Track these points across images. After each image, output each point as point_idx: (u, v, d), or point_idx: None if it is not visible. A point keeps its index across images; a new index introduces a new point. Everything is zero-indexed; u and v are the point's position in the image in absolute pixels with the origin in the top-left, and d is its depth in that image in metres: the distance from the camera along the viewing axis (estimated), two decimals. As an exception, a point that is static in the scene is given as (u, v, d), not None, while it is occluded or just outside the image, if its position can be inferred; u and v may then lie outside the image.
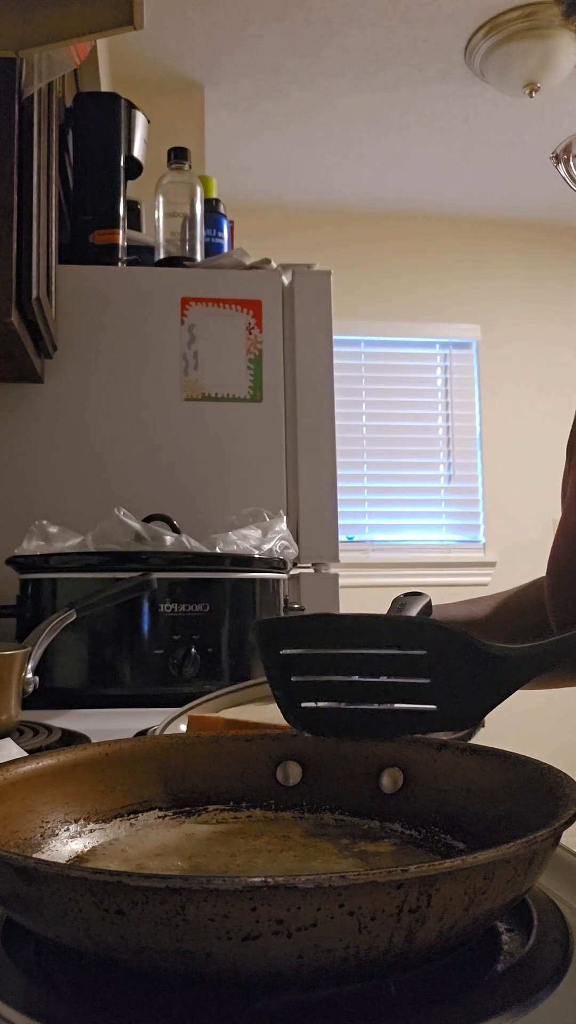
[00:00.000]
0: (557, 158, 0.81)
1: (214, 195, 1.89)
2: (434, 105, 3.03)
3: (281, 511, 1.47)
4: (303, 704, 0.52)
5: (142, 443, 1.60)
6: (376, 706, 0.51)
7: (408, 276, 3.86)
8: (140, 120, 1.73)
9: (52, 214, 1.35)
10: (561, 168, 0.81)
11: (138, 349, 1.62)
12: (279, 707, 0.53)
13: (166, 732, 0.74)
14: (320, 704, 0.52)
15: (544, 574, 0.82)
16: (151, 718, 1.00)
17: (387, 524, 3.73)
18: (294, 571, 1.57)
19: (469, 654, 0.49)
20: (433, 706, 0.50)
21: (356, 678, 0.51)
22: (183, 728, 0.77)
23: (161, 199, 1.69)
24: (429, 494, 3.80)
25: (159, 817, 0.52)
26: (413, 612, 0.71)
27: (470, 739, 0.61)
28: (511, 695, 0.51)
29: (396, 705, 0.51)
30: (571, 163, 0.81)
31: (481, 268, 3.90)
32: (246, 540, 1.34)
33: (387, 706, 0.51)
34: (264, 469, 1.62)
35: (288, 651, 0.51)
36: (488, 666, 0.50)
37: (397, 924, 0.31)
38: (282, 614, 1.36)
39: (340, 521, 1.65)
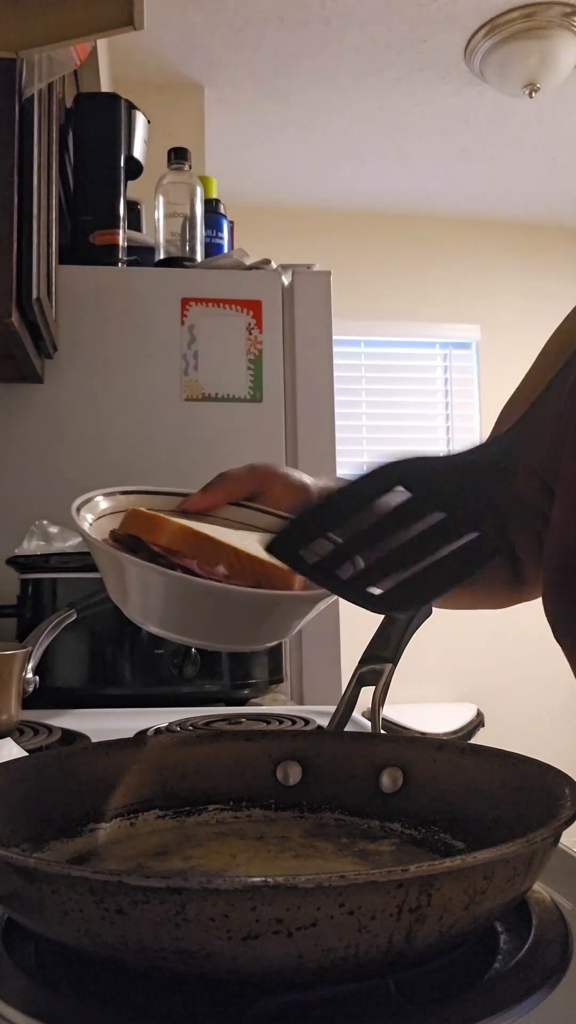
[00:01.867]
0: None
1: (214, 195, 1.89)
2: (434, 106, 3.03)
3: (281, 511, 1.47)
4: (370, 591, 0.50)
5: (142, 443, 1.60)
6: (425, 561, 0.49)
7: (408, 276, 3.86)
8: (140, 121, 1.73)
9: (52, 214, 1.35)
10: None
11: (138, 349, 1.62)
12: (352, 601, 0.51)
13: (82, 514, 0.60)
14: (381, 587, 0.50)
15: None
16: (151, 718, 1.00)
17: (387, 524, 3.73)
18: (294, 571, 1.57)
19: (449, 470, 0.48)
20: (474, 532, 0.48)
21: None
22: (91, 521, 0.61)
23: (161, 199, 1.69)
24: (429, 494, 3.80)
25: (159, 817, 0.52)
26: (412, 612, 0.71)
27: (470, 739, 0.61)
28: (508, 495, 0.49)
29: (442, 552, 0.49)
30: None
31: (481, 268, 3.90)
32: (246, 540, 1.34)
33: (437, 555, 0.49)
34: (264, 469, 1.62)
35: (309, 558, 0.49)
36: (469, 477, 0.49)
37: (397, 924, 0.32)
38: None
39: (340, 521, 1.64)
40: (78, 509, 0.60)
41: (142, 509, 0.59)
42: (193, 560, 0.54)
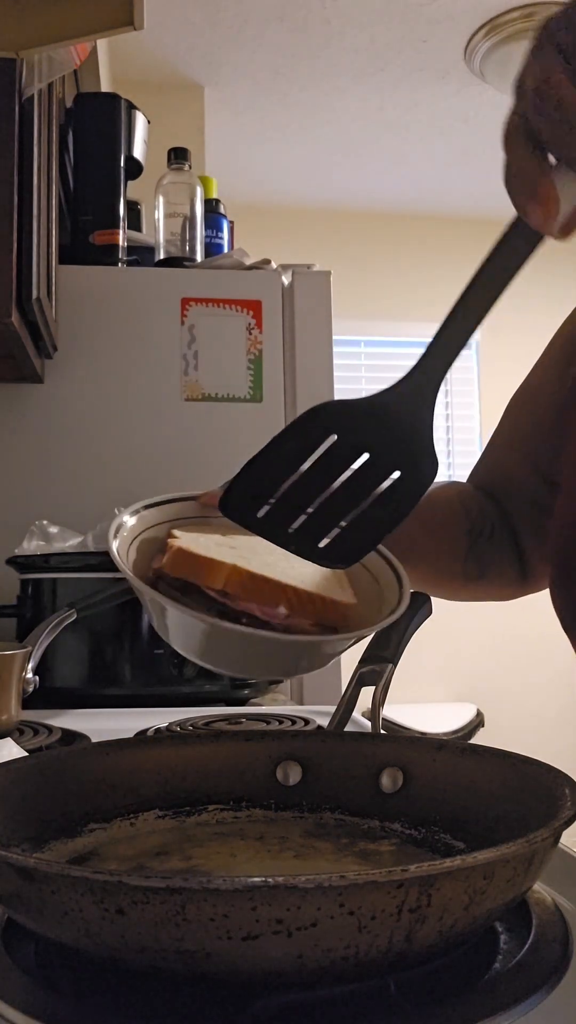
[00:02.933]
0: None
1: (214, 195, 1.89)
2: (434, 105, 3.03)
3: (281, 511, 1.47)
4: (319, 545, 0.51)
5: (142, 443, 1.60)
6: (359, 508, 0.50)
7: (408, 276, 3.86)
8: (140, 120, 1.73)
9: (52, 214, 1.35)
10: None
11: (138, 349, 1.62)
12: (299, 555, 0.51)
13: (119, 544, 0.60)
14: (329, 537, 0.51)
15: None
16: (151, 718, 1.00)
17: (387, 524, 3.73)
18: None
19: (365, 411, 0.49)
20: (397, 472, 0.50)
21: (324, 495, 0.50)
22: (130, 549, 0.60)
23: (161, 199, 1.69)
24: (429, 494, 3.80)
25: (159, 817, 0.52)
26: (412, 612, 0.71)
27: (470, 739, 0.61)
28: (433, 414, 0.51)
29: (375, 493, 0.50)
30: None
31: (481, 268, 3.90)
32: (246, 540, 1.34)
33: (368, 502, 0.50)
34: (264, 469, 1.62)
35: (262, 514, 0.50)
36: (388, 407, 0.50)
37: (397, 924, 0.32)
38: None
39: (340, 521, 1.64)
40: (114, 537, 0.60)
41: (188, 549, 0.58)
42: (253, 603, 0.55)
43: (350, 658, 0.69)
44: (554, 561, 0.73)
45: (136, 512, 0.65)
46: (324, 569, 0.60)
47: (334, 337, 1.70)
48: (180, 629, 0.58)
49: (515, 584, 0.85)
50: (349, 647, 0.61)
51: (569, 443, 0.75)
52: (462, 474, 4.34)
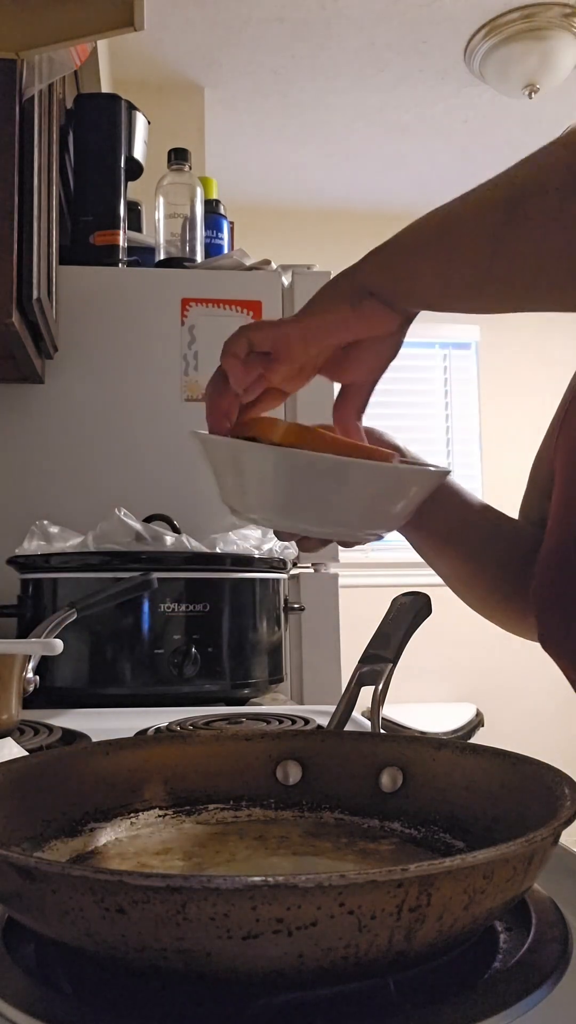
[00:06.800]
0: None
1: (214, 196, 1.89)
2: (434, 106, 3.03)
3: (281, 511, 1.47)
4: None
5: (142, 443, 1.60)
6: None
7: (408, 277, 3.86)
8: (140, 121, 1.73)
9: (53, 215, 1.35)
10: None
11: (138, 350, 1.62)
12: None
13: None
14: None
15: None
16: (151, 718, 1.00)
17: (387, 524, 3.73)
18: (294, 571, 1.57)
19: None
20: None
21: None
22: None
23: (161, 200, 1.69)
24: (429, 494, 3.80)
25: (159, 816, 0.52)
26: (412, 612, 0.71)
27: (469, 738, 0.61)
28: None
29: None
30: None
31: (481, 269, 3.90)
32: (246, 540, 1.34)
33: None
34: (264, 469, 1.62)
35: None
36: None
37: (397, 923, 0.32)
38: (282, 614, 1.36)
39: (340, 521, 1.64)
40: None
41: (261, 416, 0.62)
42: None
43: (350, 658, 0.69)
44: (537, 581, 0.73)
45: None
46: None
47: (334, 337, 1.70)
48: (250, 474, 0.60)
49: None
50: (425, 489, 0.63)
51: (557, 476, 0.75)
52: (462, 473, 4.30)
